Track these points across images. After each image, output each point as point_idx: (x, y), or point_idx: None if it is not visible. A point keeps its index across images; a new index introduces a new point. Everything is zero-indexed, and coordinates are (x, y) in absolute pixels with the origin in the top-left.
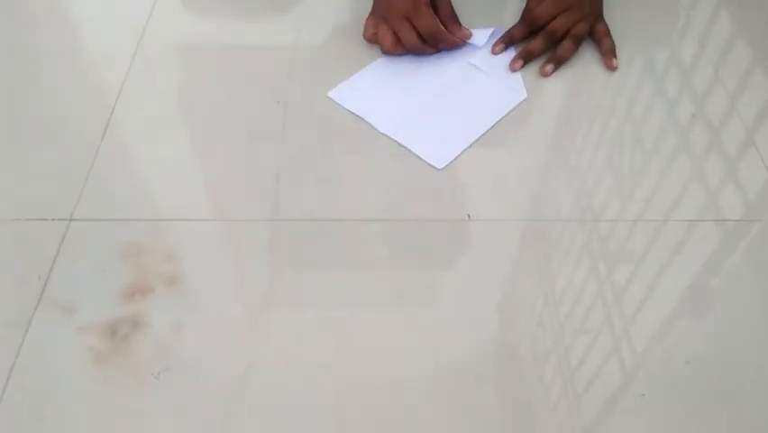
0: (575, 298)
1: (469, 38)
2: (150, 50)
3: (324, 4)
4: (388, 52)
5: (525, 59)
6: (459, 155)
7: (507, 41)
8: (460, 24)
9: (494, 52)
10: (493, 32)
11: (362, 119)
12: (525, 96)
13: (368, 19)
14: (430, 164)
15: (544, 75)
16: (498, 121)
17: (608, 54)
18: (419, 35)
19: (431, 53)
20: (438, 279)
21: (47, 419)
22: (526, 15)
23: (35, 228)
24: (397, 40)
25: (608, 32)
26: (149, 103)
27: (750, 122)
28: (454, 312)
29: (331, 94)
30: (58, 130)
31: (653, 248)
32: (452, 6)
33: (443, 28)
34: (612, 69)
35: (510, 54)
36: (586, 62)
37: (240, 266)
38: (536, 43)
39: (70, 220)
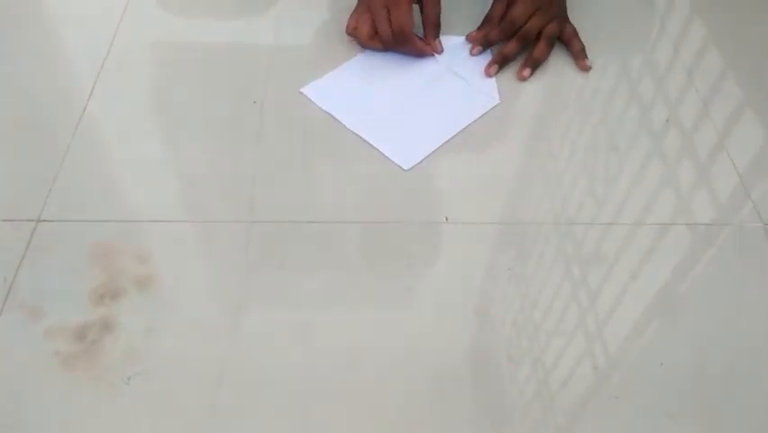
0: (550, 300)
1: (438, 52)
2: (124, 48)
3: (303, 3)
4: (363, 44)
5: (501, 63)
6: (426, 157)
7: (485, 43)
8: (437, 35)
9: (473, 54)
10: (464, 39)
11: (333, 117)
12: (497, 101)
13: (352, 13)
14: (397, 164)
15: (522, 79)
16: (470, 125)
17: (580, 55)
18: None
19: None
20: (414, 281)
21: (13, 427)
22: (505, 18)
23: (2, 229)
24: (375, 32)
25: (576, 33)
26: (121, 102)
27: (722, 126)
28: (430, 314)
29: (304, 90)
30: (27, 129)
31: (626, 251)
32: (438, 13)
33: (413, 31)
34: (586, 69)
35: (486, 57)
36: (560, 66)
37: (214, 268)
38: (511, 46)
39: (38, 221)
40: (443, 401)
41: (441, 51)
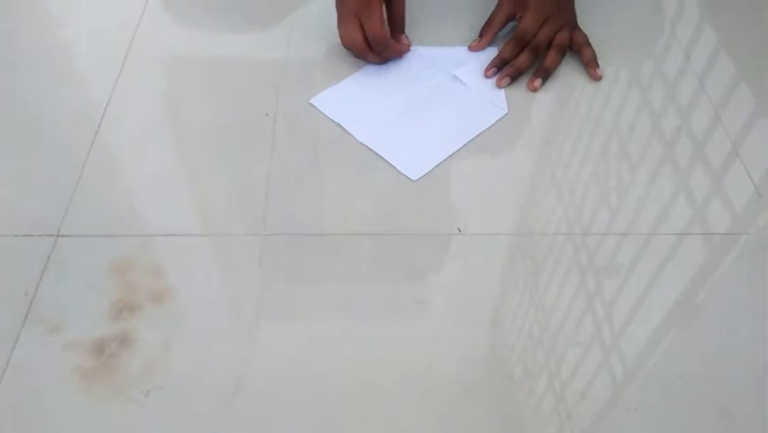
0: (565, 311)
1: (407, 49)
2: (138, 62)
3: (314, 16)
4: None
5: (513, 76)
6: (435, 167)
7: (499, 63)
8: (403, 32)
9: (487, 76)
10: (466, 49)
11: (343, 128)
12: (505, 111)
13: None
14: (405, 175)
15: (533, 90)
16: (478, 135)
17: (591, 63)
18: (365, 38)
19: (374, 61)
20: (428, 293)
21: None
22: (516, 32)
23: (22, 244)
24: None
25: (587, 41)
26: (136, 116)
27: (735, 134)
28: (444, 326)
29: (313, 101)
30: (44, 144)
31: (641, 261)
32: (404, 9)
33: (388, 36)
34: (597, 78)
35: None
36: (571, 75)
37: (229, 281)
38: (524, 59)
39: (57, 236)
40: (458, 415)
41: (408, 48)
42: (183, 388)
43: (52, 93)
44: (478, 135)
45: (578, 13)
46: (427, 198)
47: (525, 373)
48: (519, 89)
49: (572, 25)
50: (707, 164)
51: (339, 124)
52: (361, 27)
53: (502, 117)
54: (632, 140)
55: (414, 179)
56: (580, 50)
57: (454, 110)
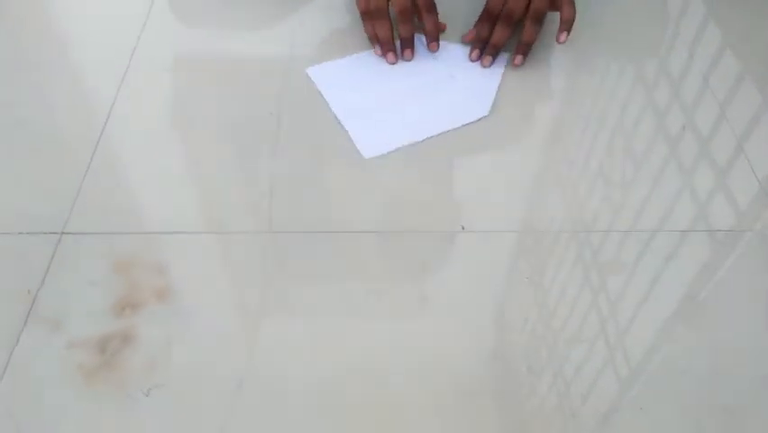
0: (569, 309)
1: (443, 29)
2: (143, 62)
3: (319, 15)
4: (361, 15)
5: (493, 53)
6: (390, 152)
7: (479, 43)
8: (436, 14)
9: (472, 58)
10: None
11: (323, 97)
12: (485, 114)
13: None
14: (358, 150)
15: (516, 66)
16: (450, 131)
17: (563, 26)
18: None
19: (381, 38)
20: (432, 291)
21: None
22: (502, 12)
23: (25, 242)
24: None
25: (569, 2)
26: (141, 115)
27: (740, 131)
28: (448, 325)
29: (308, 70)
30: (49, 142)
31: (645, 258)
32: (435, 21)
33: (394, 38)
34: (558, 42)
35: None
36: (575, 72)
37: (232, 279)
38: (498, 34)
39: (61, 234)
40: (461, 413)
41: (444, 28)
42: (186, 386)
43: (57, 91)
44: (450, 131)
45: (582, 10)
46: (430, 196)
47: (530, 370)
48: (522, 86)
49: None
50: (711, 161)
51: (320, 93)
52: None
53: (480, 119)
54: (636, 137)
55: (365, 157)
56: (560, 8)
57: (435, 102)
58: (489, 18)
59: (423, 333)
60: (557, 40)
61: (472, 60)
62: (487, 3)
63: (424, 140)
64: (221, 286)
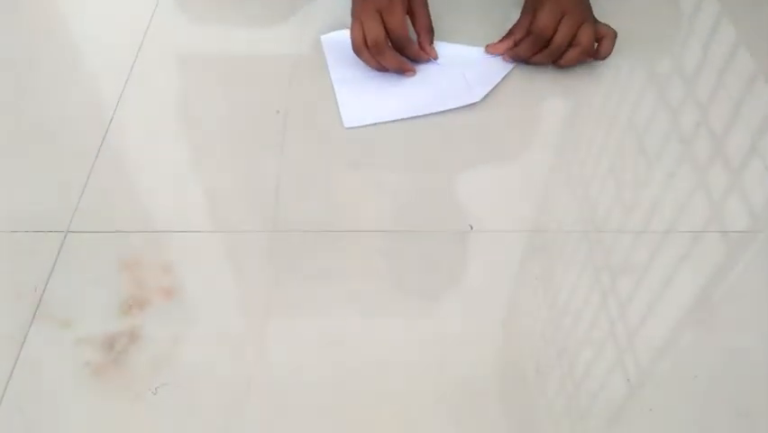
0: (579, 310)
1: (434, 58)
2: (149, 59)
3: (325, 12)
4: (355, 51)
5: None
6: (370, 124)
7: (514, 58)
8: (432, 41)
9: (489, 52)
10: (481, 50)
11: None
12: (476, 100)
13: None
14: (341, 119)
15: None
16: (439, 113)
17: (601, 54)
18: (387, 36)
19: (388, 66)
20: (440, 291)
21: None
22: (532, 30)
23: (32, 240)
24: (365, 42)
25: (611, 35)
26: (147, 113)
27: (755, 130)
28: (456, 325)
29: (323, 37)
30: (55, 141)
31: (657, 259)
32: (429, 18)
33: (409, 36)
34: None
35: (495, 63)
36: (586, 70)
37: (239, 278)
38: (537, 59)
39: (67, 232)
40: (470, 414)
41: (436, 57)
42: (192, 384)
43: (63, 90)
44: (439, 113)
45: (594, 8)
46: (439, 195)
47: (538, 372)
48: (532, 85)
49: (591, 19)
50: (725, 161)
51: (326, 62)
52: (383, 23)
53: (469, 105)
54: (649, 136)
55: (346, 126)
56: (599, 42)
57: (430, 82)
58: (535, 43)
59: (430, 333)
60: (598, 57)
61: (488, 53)
62: (534, 27)
63: (409, 118)
64: (227, 285)
